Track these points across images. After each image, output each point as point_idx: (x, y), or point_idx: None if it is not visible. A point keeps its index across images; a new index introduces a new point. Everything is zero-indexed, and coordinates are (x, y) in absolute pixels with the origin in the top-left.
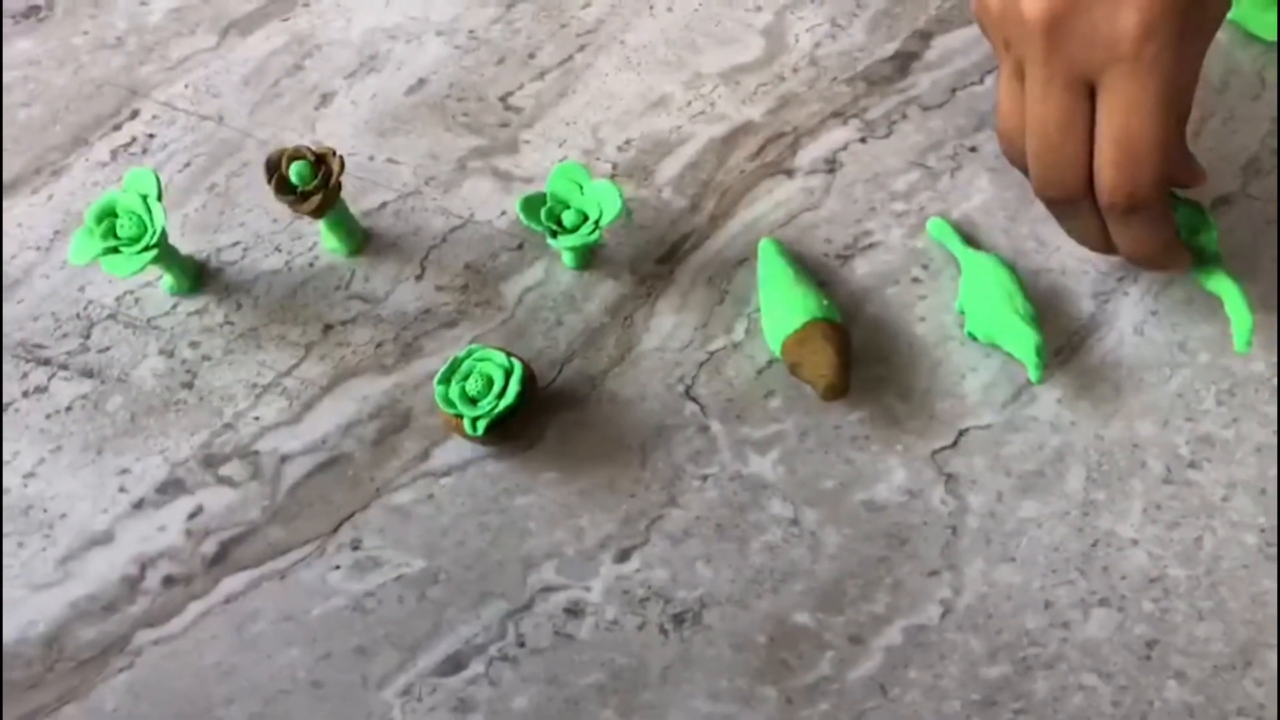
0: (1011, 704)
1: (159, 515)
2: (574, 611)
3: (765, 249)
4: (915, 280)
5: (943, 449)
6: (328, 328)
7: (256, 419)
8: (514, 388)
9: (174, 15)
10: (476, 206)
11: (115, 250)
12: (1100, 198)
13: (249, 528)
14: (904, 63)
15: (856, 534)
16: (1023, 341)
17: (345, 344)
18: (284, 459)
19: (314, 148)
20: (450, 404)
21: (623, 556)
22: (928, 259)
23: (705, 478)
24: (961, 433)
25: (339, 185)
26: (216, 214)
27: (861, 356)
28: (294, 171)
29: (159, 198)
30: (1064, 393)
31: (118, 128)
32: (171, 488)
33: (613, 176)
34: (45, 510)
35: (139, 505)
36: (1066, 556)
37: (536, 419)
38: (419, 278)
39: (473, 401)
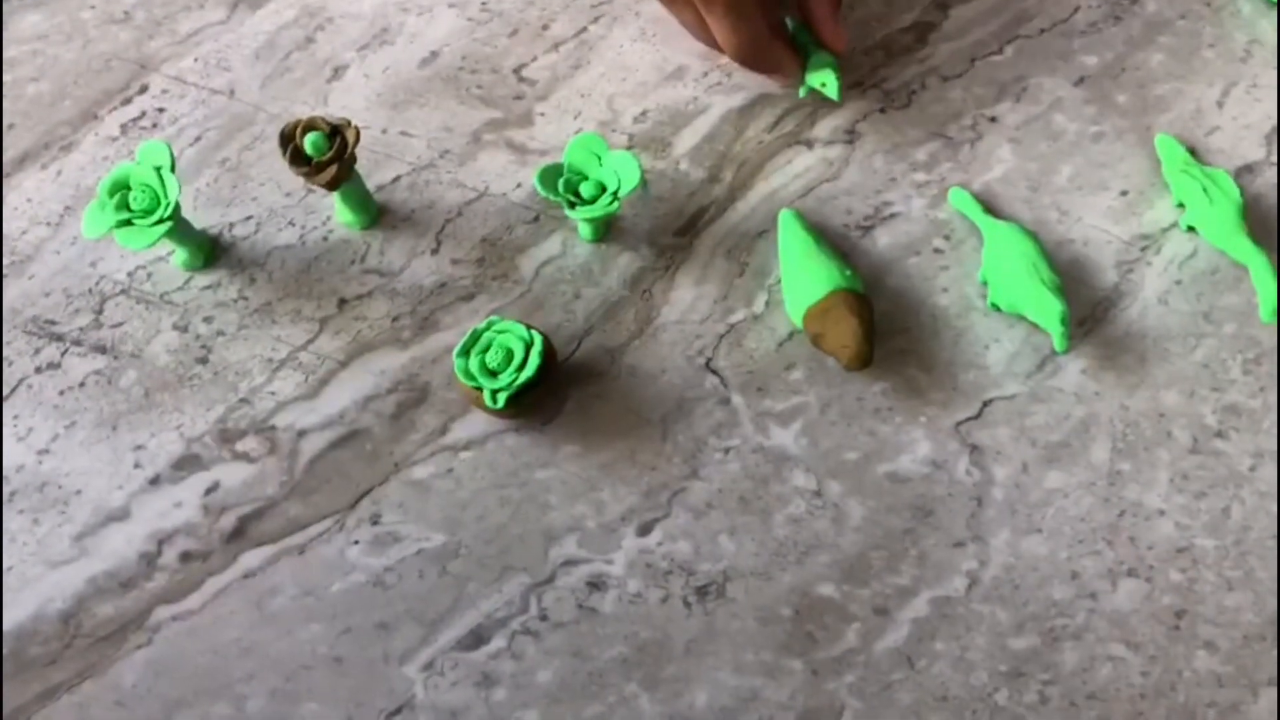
0: (1040, 675)
1: (175, 491)
2: (596, 585)
3: (785, 220)
4: (937, 251)
5: (967, 420)
6: (343, 302)
7: (273, 394)
8: (534, 360)
9: None
10: (492, 179)
11: (129, 223)
12: None
13: (267, 503)
14: (922, 32)
15: (881, 506)
16: (1048, 311)
17: (361, 318)
18: (301, 434)
19: (329, 119)
20: (470, 376)
21: (645, 530)
22: (949, 229)
23: (727, 450)
24: (986, 404)
25: (354, 156)
26: (229, 188)
27: (884, 328)
28: (309, 142)
29: (172, 169)
30: (1088, 363)
31: (127, 102)
32: (188, 463)
33: (629, 148)
34: (60, 487)
35: (155, 481)
36: (1093, 527)
37: (556, 392)
38: (435, 251)
39: (493, 374)
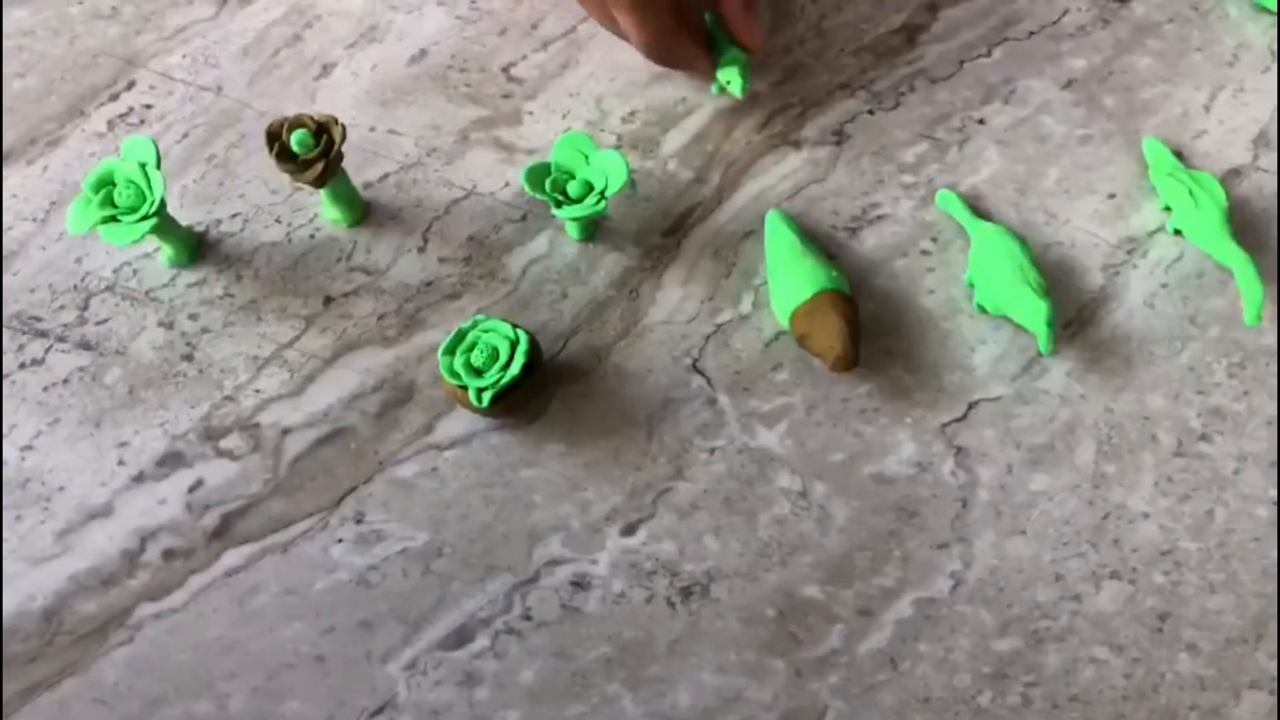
0: (1023, 677)
1: (159, 488)
2: (580, 585)
3: (772, 221)
4: (924, 253)
5: (952, 422)
6: (329, 300)
7: (257, 391)
8: (519, 359)
9: None
10: (479, 178)
11: (114, 219)
12: None
13: (250, 501)
14: (911, 34)
15: (866, 507)
16: (1033, 312)
17: (347, 316)
18: (285, 432)
19: (315, 116)
20: (455, 375)
21: (629, 530)
22: (936, 231)
23: (713, 451)
24: (971, 405)
25: (341, 154)
26: (215, 185)
27: (870, 329)
28: (295, 140)
29: (158, 166)
30: (1074, 365)
31: (114, 98)
32: (171, 461)
33: (617, 148)
34: (43, 483)
35: (139, 478)
36: (1077, 529)
37: (541, 392)
38: (421, 249)
39: (478, 373)
